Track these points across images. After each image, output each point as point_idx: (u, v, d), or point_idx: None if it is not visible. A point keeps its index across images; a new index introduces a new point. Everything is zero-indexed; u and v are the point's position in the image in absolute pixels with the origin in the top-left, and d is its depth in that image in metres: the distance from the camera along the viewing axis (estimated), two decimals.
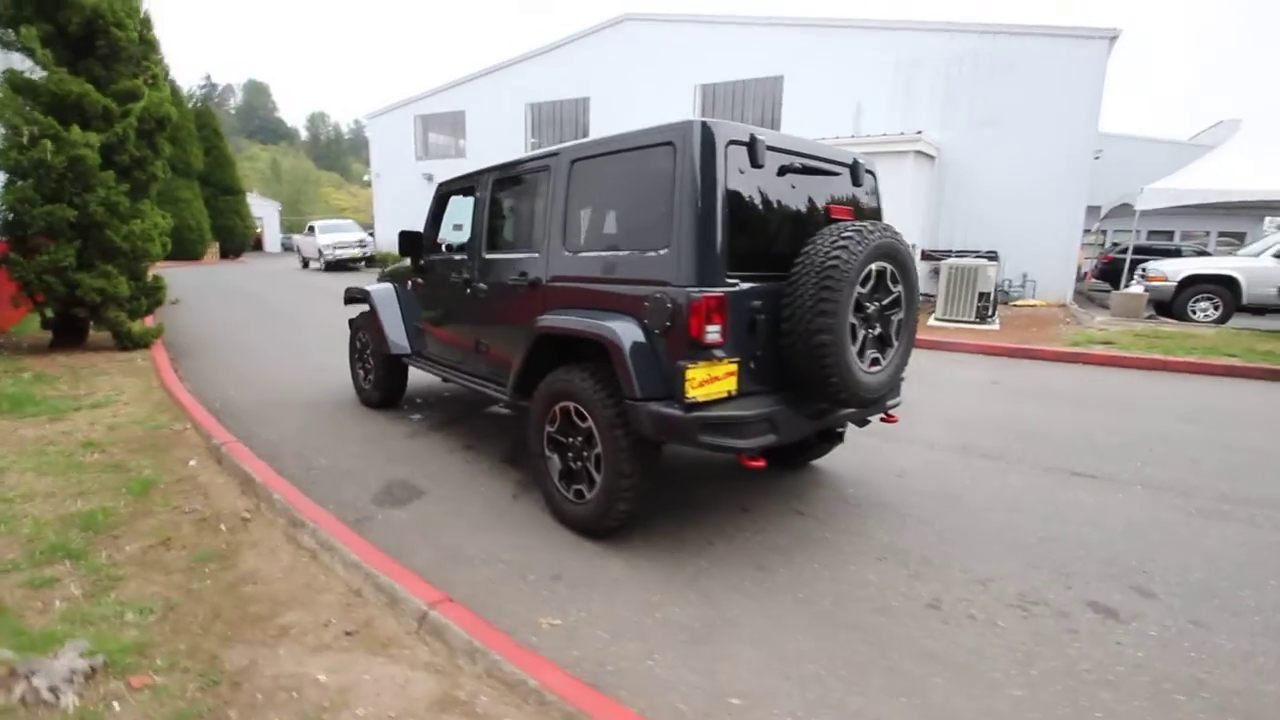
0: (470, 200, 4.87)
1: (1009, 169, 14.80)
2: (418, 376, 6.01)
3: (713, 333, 2.57)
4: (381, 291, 5.10)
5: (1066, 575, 2.83)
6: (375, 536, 3.00)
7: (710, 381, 2.61)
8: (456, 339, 4.23)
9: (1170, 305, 10.72)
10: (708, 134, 2.60)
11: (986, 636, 2.38)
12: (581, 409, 2.97)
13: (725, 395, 2.68)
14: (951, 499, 3.63)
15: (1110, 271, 18.80)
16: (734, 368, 2.69)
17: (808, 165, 3.01)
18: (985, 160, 14.91)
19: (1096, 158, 14.98)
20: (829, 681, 2.11)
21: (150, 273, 7.30)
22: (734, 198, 2.68)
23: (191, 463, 3.88)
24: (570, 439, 3.11)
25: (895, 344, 3.03)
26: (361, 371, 5.47)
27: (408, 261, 5.22)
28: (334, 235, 22.61)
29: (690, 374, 2.55)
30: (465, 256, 4.09)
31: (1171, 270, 10.87)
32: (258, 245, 36.52)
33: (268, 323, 10.37)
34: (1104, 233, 23.41)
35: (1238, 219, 21.63)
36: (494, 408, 5.47)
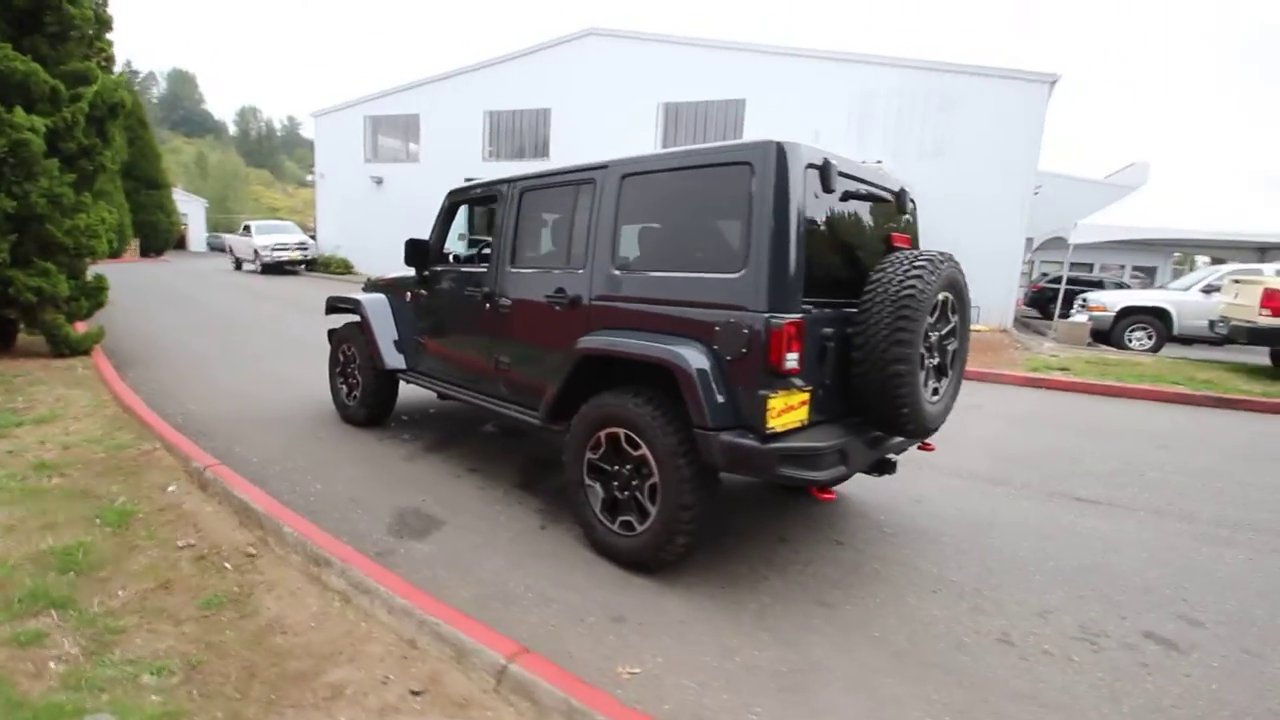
0: (486, 210, 4.67)
1: (956, 200, 15.54)
2: (403, 391, 5.66)
3: (792, 360, 2.48)
4: (373, 302, 4.78)
5: (1114, 605, 2.86)
6: (404, 573, 2.73)
7: (787, 411, 2.52)
8: (468, 356, 3.98)
9: (1108, 333, 11.45)
10: (787, 156, 2.52)
11: (1068, 673, 2.36)
12: (634, 436, 2.82)
13: (799, 425, 2.59)
14: (979, 527, 3.65)
15: (1040, 299, 20.04)
16: (808, 397, 2.60)
17: (869, 191, 2.98)
18: (933, 190, 15.56)
19: (1036, 192, 15.98)
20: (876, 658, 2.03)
21: (89, 271, 6.62)
22: (807, 222, 2.61)
23: (171, 488, 3.46)
24: (617, 467, 2.94)
25: (950, 374, 3.02)
26: (344, 386, 5.10)
27: (401, 270, 4.93)
28: (272, 236, 21.44)
29: (772, 403, 2.44)
30: (484, 269, 3.87)
31: (1110, 301, 11.63)
32: (180, 243, 34.25)
33: (212, 328, 9.65)
34: (1031, 263, 24.98)
35: (1150, 254, 23.53)
36: (487, 427, 5.20)
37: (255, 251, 20.94)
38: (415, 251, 4.21)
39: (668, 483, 2.69)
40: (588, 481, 3.07)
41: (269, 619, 2.36)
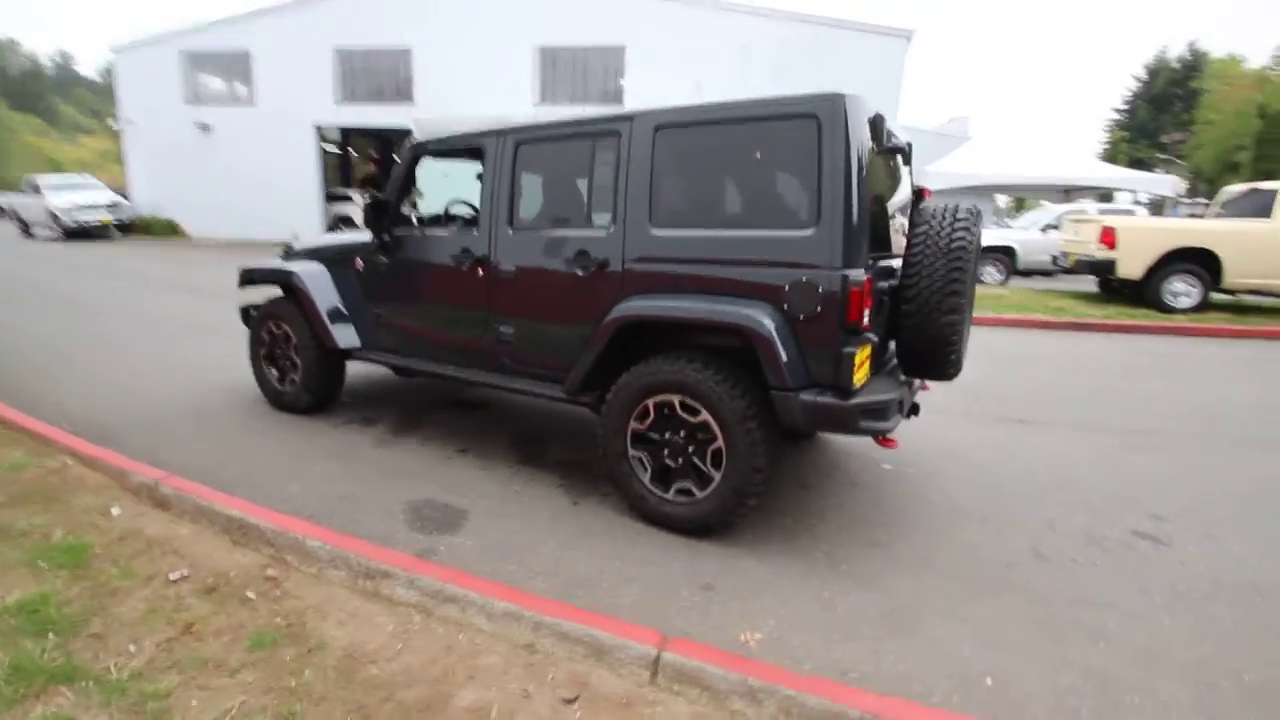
0: (464, 165, 4.19)
1: None
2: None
3: (867, 316, 2.51)
4: (312, 273, 4.15)
5: (1097, 512, 3.27)
6: (464, 571, 2.48)
7: (862, 366, 2.55)
8: (453, 330, 3.60)
9: None
10: (855, 108, 2.48)
11: (1099, 575, 2.68)
12: (693, 402, 2.73)
13: (865, 380, 2.64)
14: (958, 455, 4.00)
15: None
16: (870, 350, 2.65)
17: (894, 144, 3.02)
18: None
19: None
20: (1042, 643, 2.22)
21: None
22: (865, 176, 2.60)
23: (115, 510, 2.85)
24: (669, 435, 2.85)
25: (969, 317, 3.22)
26: (275, 371, 4.44)
27: (347, 234, 4.33)
28: (73, 195, 17.96)
29: (857, 359, 2.46)
30: (470, 232, 3.48)
31: None
32: None
33: (53, 311, 8.02)
34: None
35: (978, 198, 26.56)
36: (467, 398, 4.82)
37: (52, 214, 17.40)
38: (378, 213, 3.69)
39: (736, 447, 2.65)
40: (633, 453, 2.95)
41: (343, 649, 2.04)
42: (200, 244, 18.67)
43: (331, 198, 20.36)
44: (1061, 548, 2.91)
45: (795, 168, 2.57)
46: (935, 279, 2.68)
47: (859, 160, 2.49)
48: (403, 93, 18.26)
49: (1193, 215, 16.13)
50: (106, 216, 18.15)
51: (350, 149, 24.93)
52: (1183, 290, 9.00)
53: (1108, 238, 9.24)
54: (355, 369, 5.09)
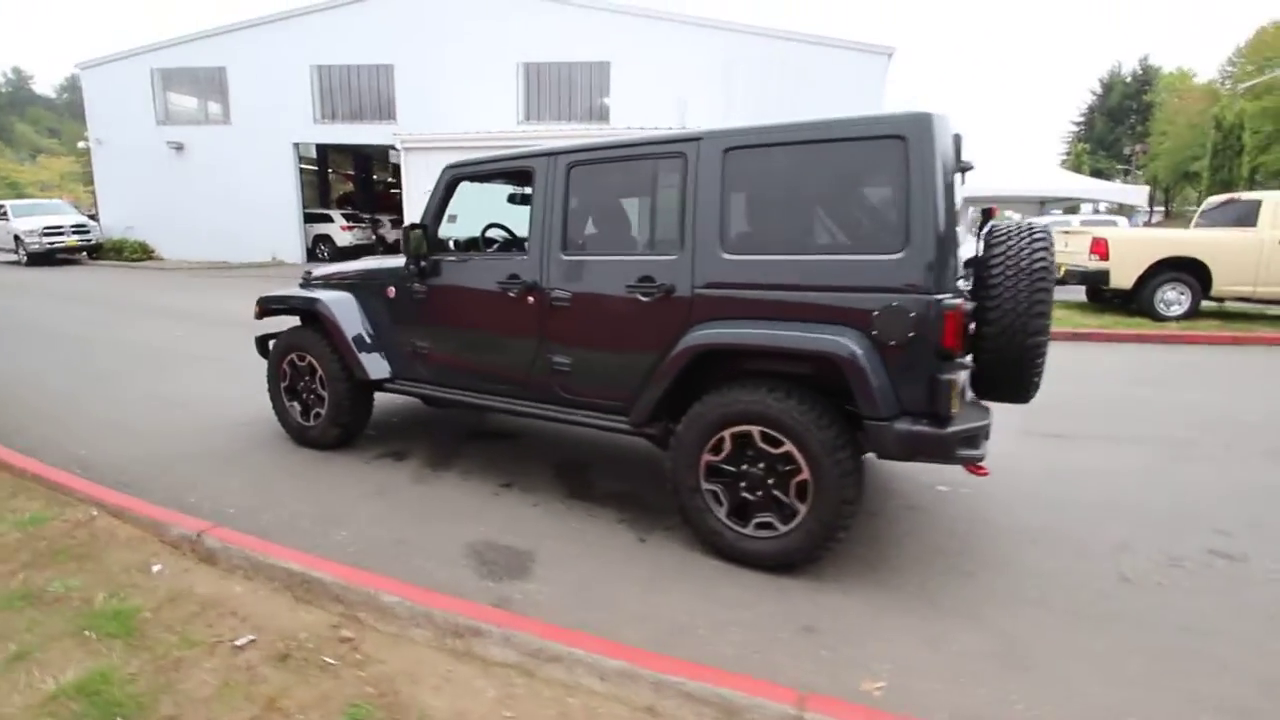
0: (499, 187, 4.07)
1: None
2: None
3: (962, 342, 2.44)
4: (339, 301, 3.97)
5: (1165, 530, 3.23)
6: (556, 621, 2.33)
7: (958, 393, 2.48)
8: (500, 359, 3.45)
9: None
10: (941, 128, 2.43)
11: (1193, 597, 2.63)
12: (775, 433, 2.63)
13: (959, 407, 2.57)
14: (1010, 472, 3.96)
15: None
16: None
17: (968, 164, 2.98)
18: None
19: None
20: (1166, 677, 2.15)
21: None
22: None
23: (156, 568, 2.63)
24: (746, 467, 2.74)
25: None
26: (299, 405, 4.23)
27: (374, 261, 4.16)
28: (39, 218, 17.34)
29: (955, 387, 2.39)
30: (518, 257, 3.35)
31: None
32: None
33: (33, 344, 7.61)
34: None
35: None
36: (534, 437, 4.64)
37: (16, 238, 16.73)
38: (417, 238, 3.53)
39: (825, 478, 2.55)
40: (706, 486, 2.83)
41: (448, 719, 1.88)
42: (175, 267, 18.09)
43: (311, 218, 19.96)
44: (1144, 570, 2.86)
45: (880, 189, 2.50)
46: (1019, 300, 2.63)
47: (946, 181, 2.43)
48: (385, 110, 18.03)
49: (1146, 225, 16.66)
50: (73, 240, 17.51)
51: (329, 167, 24.52)
52: (1174, 299, 9.21)
53: (1100, 249, 9.43)
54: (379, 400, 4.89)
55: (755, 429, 2.68)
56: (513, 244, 4.14)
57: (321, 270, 4.44)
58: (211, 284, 14.97)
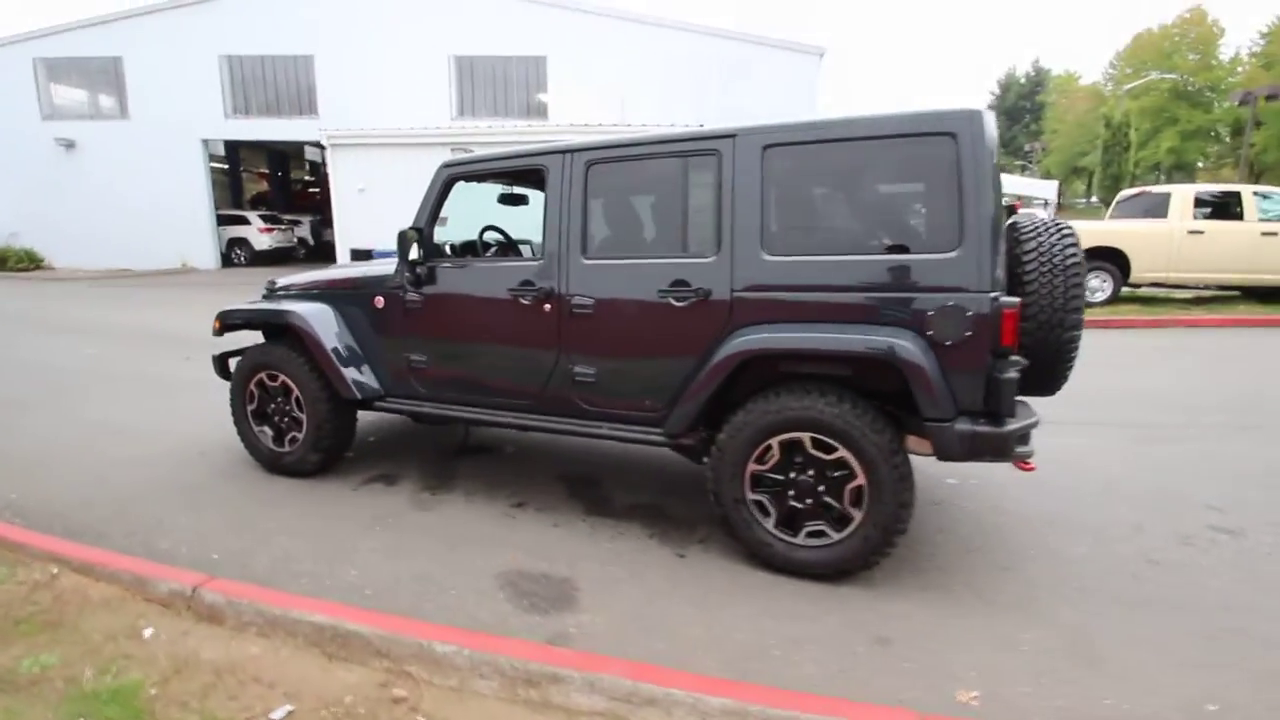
0: (500, 188, 3.80)
1: None
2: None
3: (1018, 339, 2.44)
4: (316, 313, 3.61)
5: (1164, 511, 3.39)
6: (607, 653, 2.17)
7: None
8: (512, 371, 3.22)
9: None
10: (989, 124, 2.41)
11: (1215, 574, 2.75)
12: (824, 439, 2.56)
13: None
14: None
15: None
16: None
17: None
18: None
19: None
20: (1226, 657, 2.22)
21: None
22: None
23: (148, 632, 2.27)
24: (795, 475, 2.66)
25: None
26: (270, 430, 3.83)
27: (355, 268, 3.81)
28: None
29: (1012, 385, 2.38)
30: (535, 263, 3.12)
31: None
32: None
33: None
34: None
35: None
36: (511, 449, 4.36)
37: None
38: (411, 244, 3.24)
39: (881, 483, 2.50)
40: (752, 496, 2.73)
41: None
42: (70, 276, 16.36)
43: (224, 220, 18.54)
44: (1163, 551, 2.98)
45: (930, 187, 2.47)
46: (1056, 295, 2.66)
47: (996, 178, 2.42)
48: (305, 104, 16.94)
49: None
50: None
51: (241, 165, 22.85)
52: (1097, 286, 9.88)
53: None
54: None
55: (806, 435, 2.60)
56: (509, 247, 3.90)
57: (288, 279, 4.03)
58: (116, 295, 13.63)
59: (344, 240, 14.82)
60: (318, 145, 18.99)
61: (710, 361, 2.70)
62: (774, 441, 2.65)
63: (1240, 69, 41.21)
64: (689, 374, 2.81)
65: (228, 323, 3.86)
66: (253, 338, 4.12)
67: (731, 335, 2.70)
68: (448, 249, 3.55)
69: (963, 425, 2.41)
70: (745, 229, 2.67)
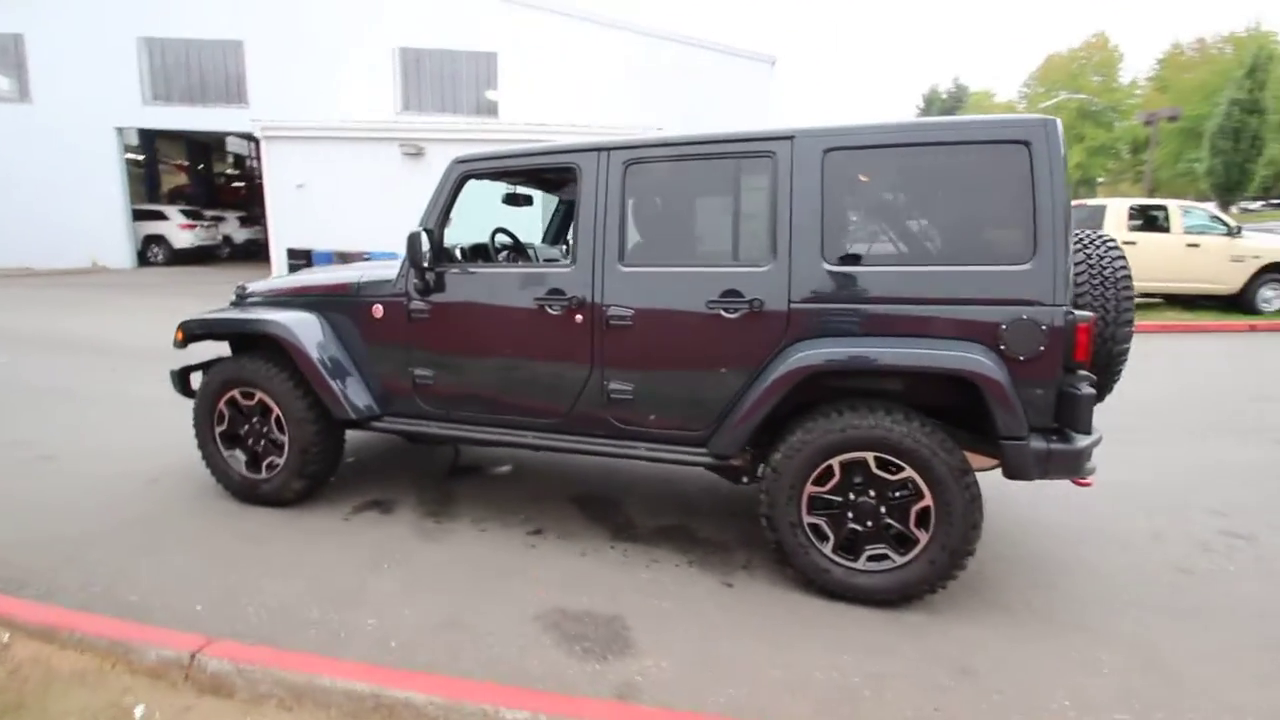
0: (522, 189, 3.50)
1: None
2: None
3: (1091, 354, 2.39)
4: (302, 323, 3.22)
5: (1172, 514, 3.46)
6: (697, 709, 1.96)
7: None
8: (537, 389, 2.95)
9: None
10: (1060, 134, 2.34)
11: (1243, 580, 2.81)
12: (889, 458, 2.43)
13: None
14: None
15: None
16: None
17: None
18: None
19: None
20: None
21: None
22: None
23: (139, 711, 1.89)
24: (855, 497, 2.52)
25: None
26: (244, 454, 3.40)
27: (346, 270, 3.43)
28: None
29: (1091, 401, 2.32)
30: (564, 269, 2.86)
31: None
32: None
33: None
34: None
35: None
36: (494, 469, 4.04)
37: None
38: (422, 248, 2.91)
39: (953, 504, 2.40)
40: (809, 520, 2.57)
41: None
42: None
43: (140, 215, 17.06)
44: (1189, 559, 3.02)
45: (1002, 196, 2.38)
46: (1108, 308, 2.65)
47: (1066, 189, 2.36)
48: (233, 93, 15.80)
49: None
50: None
51: (158, 157, 21.11)
52: None
53: None
54: None
55: (870, 455, 2.47)
56: (520, 252, 3.61)
57: (263, 285, 3.61)
58: (20, 297, 12.25)
59: (279, 240, 13.87)
60: (245, 137, 17.80)
61: (769, 377, 2.53)
62: (835, 462, 2.51)
63: (1138, 91, 44.84)
64: (739, 391, 2.63)
65: (193, 333, 3.41)
66: (217, 349, 3.69)
67: (789, 349, 2.54)
68: (458, 253, 3.23)
69: (1038, 443, 2.33)
70: (804, 237, 2.52)
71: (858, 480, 2.53)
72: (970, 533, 2.43)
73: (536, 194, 3.92)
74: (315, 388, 3.15)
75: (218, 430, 3.41)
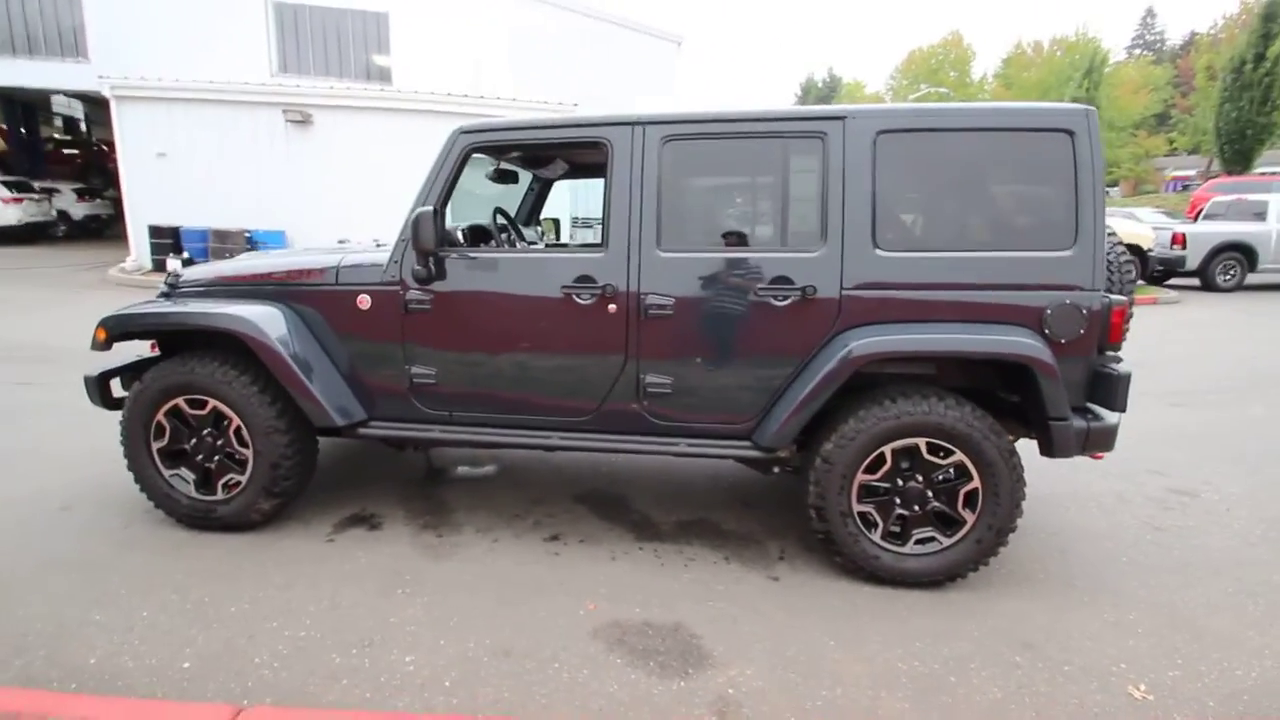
0: (550, 164, 3.15)
1: None
2: None
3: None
4: (268, 318, 2.74)
5: (1120, 477, 3.80)
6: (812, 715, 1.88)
7: None
8: (564, 385, 2.70)
9: None
10: (1098, 125, 2.43)
11: (1209, 535, 3.12)
12: (941, 443, 2.46)
13: None
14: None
15: None
16: None
17: None
18: None
19: None
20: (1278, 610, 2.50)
21: None
22: None
23: None
24: (903, 483, 2.54)
25: None
26: (193, 474, 2.88)
27: (320, 255, 2.95)
28: None
29: (1128, 381, 2.45)
30: (596, 254, 2.61)
31: None
32: None
33: None
34: None
35: None
36: (460, 469, 3.69)
37: None
38: (428, 230, 2.54)
39: (1000, 485, 2.47)
40: (859, 509, 2.56)
41: None
42: None
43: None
44: (1158, 518, 3.32)
45: (1045, 183, 2.44)
46: (1113, 290, 2.81)
47: (1103, 178, 2.46)
48: (68, 45, 13.45)
49: None
50: None
51: None
52: None
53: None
54: None
55: (921, 441, 2.48)
56: (513, 233, 3.29)
57: (203, 272, 3.05)
58: None
59: (137, 216, 12.07)
60: (79, 97, 15.29)
61: (822, 367, 2.46)
62: (887, 449, 2.50)
63: (987, 87, 49.51)
64: (788, 381, 2.55)
65: (122, 331, 2.81)
66: (139, 349, 3.10)
67: (839, 337, 2.49)
68: (460, 235, 2.88)
69: (1079, 422, 2.44)
70: (855, 221, 2.46)
71: (905, 466, 2.54)
72: (1014, 510, 2.51)
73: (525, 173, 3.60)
74: (293, 392, 2.70)
75: (156, 447, 2.85)
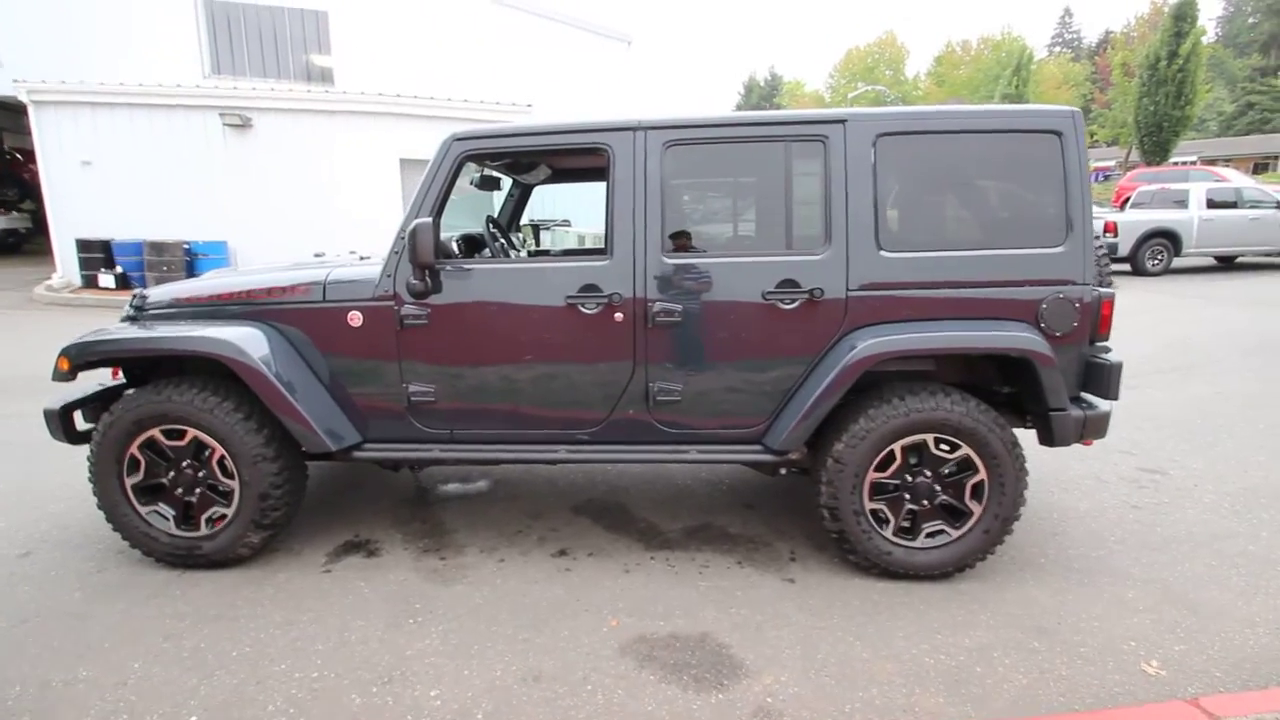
0: (540, 173, 3.05)
1: None
2: None
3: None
4: (251, 340, 2.58)
5: (1098, 460, 4.00)
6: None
7: None
8: (571, 397, 2.63)
9: None
10: (1083, 125, 2.52)
11: (1182, 511, 3.28)
12: (948, 438, 2.52)
13: None
14: None
15: None
16: None
17: None
18: None
19: None
20: (1258, 580, 2.64)
21: None
22: None
23: None
24: (912, 478, 2.58)
25: None
26: (172, 509, 2.69)
27: (308, 271, 2.79)
28: None
29: (1120, 370, 2.55)
30: (600, 262, 2.56)
31: None
32: None
33: None
34: None
35: None
36: (450, 487, 3.57)
37: None
38: (425, 243, 2.43)
39: (1006, 476, 2.54)
40: (871, 507, 2.59)
41: None
42: None
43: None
44: (1134, 496, 3.49)
45: (1037, 182, 2.52)
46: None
47: (1089, 176, 2.56)
48: None
49: None
50: None
51: None
52: None
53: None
54: None
55: (929, 436, 2.53)
56: (504, 241, 3.19)
57: (173, 292, 2.85)
58: None
59: (62, 228, 11.28)
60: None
61: (832, 368, 2.48)
62: (897, 446, 2.54)
63: (921, 85, 51.31)
64: (797, 383, 2.56)
65: (87, 359, 2.59)
66: (100, 377, 2.88)
67: (846, 338, 2.51)
68: (455, 246, 2.78)
69: (1076, 412, 2.53)
70: (859, 223, 2.48)
71: (914, 462, 2.58)
72: (1018, 499, 2.59)
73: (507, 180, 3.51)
74: (283, 418, 2.55)
75: (131, 482, 2.65)
